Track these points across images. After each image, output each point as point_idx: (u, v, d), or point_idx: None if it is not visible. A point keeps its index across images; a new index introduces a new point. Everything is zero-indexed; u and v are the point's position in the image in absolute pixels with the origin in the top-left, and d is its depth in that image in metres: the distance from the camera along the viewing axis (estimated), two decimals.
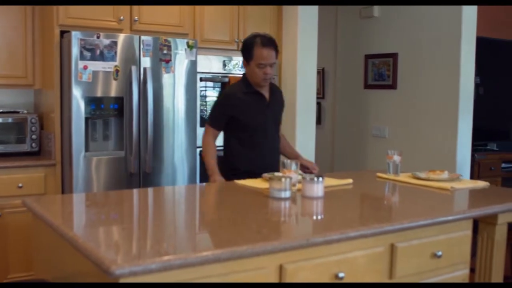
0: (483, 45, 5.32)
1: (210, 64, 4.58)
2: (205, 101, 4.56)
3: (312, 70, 4.92)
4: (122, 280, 1.59)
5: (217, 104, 3.46)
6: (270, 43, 3.29)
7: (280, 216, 2.38)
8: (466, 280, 2.58)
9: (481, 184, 3.08)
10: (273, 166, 3.36)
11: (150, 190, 3.08)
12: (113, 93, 3.95)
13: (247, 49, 3.31)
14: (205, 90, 4.57)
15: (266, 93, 3.41)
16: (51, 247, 2.17)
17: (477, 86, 5.51)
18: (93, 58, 3.83)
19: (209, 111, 3.50)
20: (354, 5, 5.88)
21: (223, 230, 1.98)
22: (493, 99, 5.99)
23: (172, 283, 1.69)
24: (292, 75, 4.85)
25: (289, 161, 2.74)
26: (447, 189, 2.92)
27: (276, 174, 2.91)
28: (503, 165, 5.62)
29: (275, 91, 3.52)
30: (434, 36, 5.17)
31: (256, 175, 3.08)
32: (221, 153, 3.48)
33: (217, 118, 3.38)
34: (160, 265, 1.62)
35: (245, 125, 3.34)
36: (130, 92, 3.97)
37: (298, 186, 2.69)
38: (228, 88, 3.51)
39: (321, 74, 6.31)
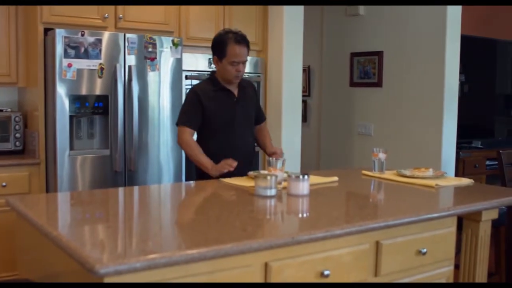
0: (467, 43, 5.35)
1: (196, 62, 4.57)
2: None
3: (298, 68, 4.92)
4: (107, 279, 1.58)
5: (187, 103, 3.36)
6: (244, 40, 3.26)
7: (266, 214, 2.38)
8: (451, 277, 2.60)
9: (465, 181, 3.10)
10: (245, 164, 3.27)
11: (135, 189, 3.07)
12: (98, 91, 3.93)
13: (220, 46, 3.25)
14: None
15: (234, 89, 3.37)
16: (36, 247, 2.16)
17: (462, 84, 5.54)
18: (77, 56, 3.80)
19: (179, 112, 3.39)
20: (339, 5, 5.89)
21: (208, 228, 1.98)
22: (478, 97, 6.03)
23: (157, 283, 1.68)
24: (278, 73, 4.85)
25: (274, 159, 2.74)
26: (432, 186, 2.93)
27: (262, 172, 2.91)
28: (488, 162, 5.66)
29: (245, 86, 3.46)
30: (419, 34, 5.19)
31: (226, 173, 3.06)
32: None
33: (190, 117, 3.30)
34: (145, 264, 1.62)
35: (214, 123, 3.29)
36: (115, 90, 3.95)
37: (284, 184, 2.69)
38: (195, 86, 3.42)
39: (307, 72, 6.31)
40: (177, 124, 3.37)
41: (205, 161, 3.20)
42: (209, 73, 4.44)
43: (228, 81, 3.32)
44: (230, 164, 3.08)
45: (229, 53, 3.22)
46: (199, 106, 3.27)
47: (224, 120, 3.30)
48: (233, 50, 3.21)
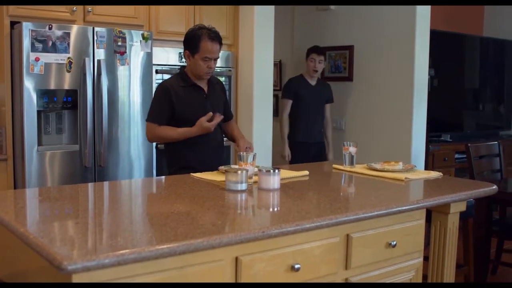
0: (436, 38, 5.41)
1: (166, 56, 4.54)
2: None
3: (269, 63, 4.92)
4: (75, 276, 1.56)
5: (156, 99, 3.34)
6: (217, 37, 3.25)
7: (236, 208, 2.38)
8: (420, 269, 2.63)
9: (434, 174, 3.14)
10: (214, 161, 3.25)
11: (105, 184, 3.03)
12: (66, 85, 3.88)
13: (193, 41, 3.23)
14: None
15: (204, 86, 3.36)
16: (4, 244, 2.12)
17: (431, 78, 5.61)
18: (45, 50, 3.74)
19: (149, 108, 3.37)
20: (310, 5, 5.91)
21: (178, 223, 1.97)
22: (447, 91, 6.11)
23: (126, 283, 1.67)
24: (249, 68, 4.84)
25: (245, 153, 2.74)
26: (401, 179, 2.96)
27: (233, 166, 2.90)
28: (457, 155, 5.74)
29: (215, 83, 3.45)
30: (389, 29, 5.23)
31: (196, 171, 3.04)
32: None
33: (159, 112, 3.27)
34: (114, 260, 1.60)
35: (184, 119, 3.26)
36: (84, 84, 3.90)
37: (255, 178, 2.69)
38: (165, 82, 3.38)
39: (278, 66, 6.32)
40: (146, 120, 3.35)
41: (185, 130, 3.23)
42: (178, 67, 4.42)
43: (198, 77, 3.30)
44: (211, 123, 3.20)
45: (202, 48, 3.20)
46: (168, 102, 3.25)
47: (193, 116, 3.28)
48: (206, 46, 3.20)
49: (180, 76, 3.34)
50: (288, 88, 5.33)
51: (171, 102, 3.25)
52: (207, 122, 3.20)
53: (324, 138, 5.38)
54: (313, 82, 5.30)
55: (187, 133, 3.25)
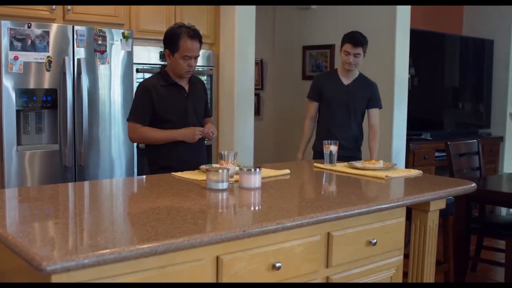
0: (416, 37, 5.45)
1: (147, 55, 4.52)
2: None
3: (250, 61, 4.92)
4: (54, 276, 1.55)
5: (137, 98, 3.33)
6: (197, 35, 3.24)
7: (217, 207, 2.38)
8: (401, 267, 2.64)
9: (414, 172, 3.16)
10: (196, 161, 3.24)
11: (86, 184, 3.01)
12: (46, 84, 3.84)
13: (173, 40, 3.23)
14: None
15: (185, 85, 3.36)
16: None
17: (411, 77, 5.65)
18: (24, 49, 3.71)
19: (130, 108, 3.36)
20: (291, 5, 5.93)
21: (159, 223, 1.96)
22: (427, 90, 6.16)
23: (107, 283, 1.66)
24: (230, 66, 4.84)
25: (226, 152, 2.73)
26: (382, 178, 2.98)
27: (214, 165, 2.90)
28: (437, 154, 5.79)
29: (195, 82, 3.45)
30: (370, 28, 5.25)
31: (177, 170, 3.03)
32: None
33: (141, 112, 3.26)
34: (94, 260, 1.59)
35: (165, 119, 3.27)
36: (64, 83, 3.87)
37: (236, 177, 2.69)
38: (145, 81, 3.39)
39: (260, 65, 6.33)
40: (128, 119, 3.34)
41: (172, 133, 3.26)
42: (159, 66, 4.42)
43: (179, 76, 3.30)
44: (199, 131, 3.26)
45: (182, 47, 3.20)
46: (149, 101, 3.25)
47: (175, 115, 3.28)
48: (186, 44, 3.20)
49: (161, 75, 3.33)
50: (312, 87, 4.33)
51: (152, 101, 3.24)
52: (198, 134, 3.24)
53: (359, 153, 4.25)
54: (347, 80, 4.20)
55: (171, 137, 3.25)
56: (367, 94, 4.20)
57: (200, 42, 3.27)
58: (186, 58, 3.21)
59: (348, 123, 4.15)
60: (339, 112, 4.15)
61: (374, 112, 4.22)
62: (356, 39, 4.09)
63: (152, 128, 3.27)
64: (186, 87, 3.35)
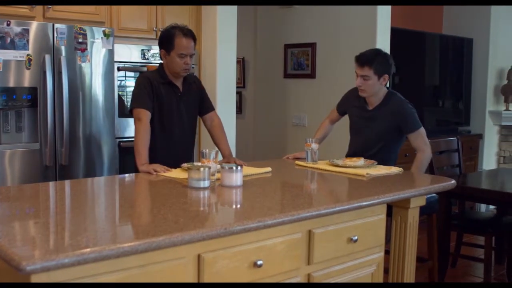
0: (397, 35, 5.49)
1: (129, 53, 4.50)
2: (124, 91, 4.48)
3: (232, 60, 4.92)
4: (34, 276, 1.54)
5: (139, 86, 3.31)
6: (190, 34, 3.31)
7: (199, 205, 2.38)
8: (382, 263, 2.67)
9: (395, 170, 3.19)
10: (184, 158, 3.25)
11: (67, 183, 2.99)
12: (26, 83, 3.81)
13: (168, 39, 3.29)
14: (124, 80, 4.49)
15: (180, 84, 3.39)
16: None
17: (392, 75, 5.68)
18: (3, 47, 3.67)
19: (132, 97, 3.34)
20: (273, 5, 5.93)
21: (140, 221, 1.96)
22: (408, 88, 6.18)
23: (88, 283, 1.66)
24: (212, 65, 4.83)
25: (207, 150, 2.74)
26: (362, 175, 3.00)
27: (196, 163, 2.90)
28: None
29: (191, 82, 3.47)
30: (351, 26, 5.29)
31: (161, 162, 3.03)
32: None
33: (146, 97, 3.24)
34: (74, 259, 1.58)
35: (157, 114, 3.29)
36: (44, 82, 3.84)
37: (217, 175, 2.69)
38: (146, 73, 3.44)
39: (242, 63, 6.33)
40: (132, 108, 3.30)
41: (143, 154, 3.11)
42: (141, 64, 4.42)
43: (175, 74, 3.33)
44: (158, 170, 2.97)
45: (177, 45, 3.25)
46: (150, 90, 3.27)
47: (166, 113, 3.31)
48: (181, 42, 3.25)
49: (158, 72, 3.37)
50: (342, 98, 3.92)
51: (153, 91, 3.27)
52: (154, 171, 2.98)
53: None
54: (371, 105, 3.64)
55: (138, 160, 3.12)
56: (390, 124, 3.60)
57: (194, 41, 3.32)
58: (182, 56, 3.25)
59: (371, 149, 3.62)
60: (360, 139, 3.71)
61: (413, 137, 3.67)
62: (360, 56, 3.55)
63: (144, 136, 3.18)
64: (180, 87, 3.39)
